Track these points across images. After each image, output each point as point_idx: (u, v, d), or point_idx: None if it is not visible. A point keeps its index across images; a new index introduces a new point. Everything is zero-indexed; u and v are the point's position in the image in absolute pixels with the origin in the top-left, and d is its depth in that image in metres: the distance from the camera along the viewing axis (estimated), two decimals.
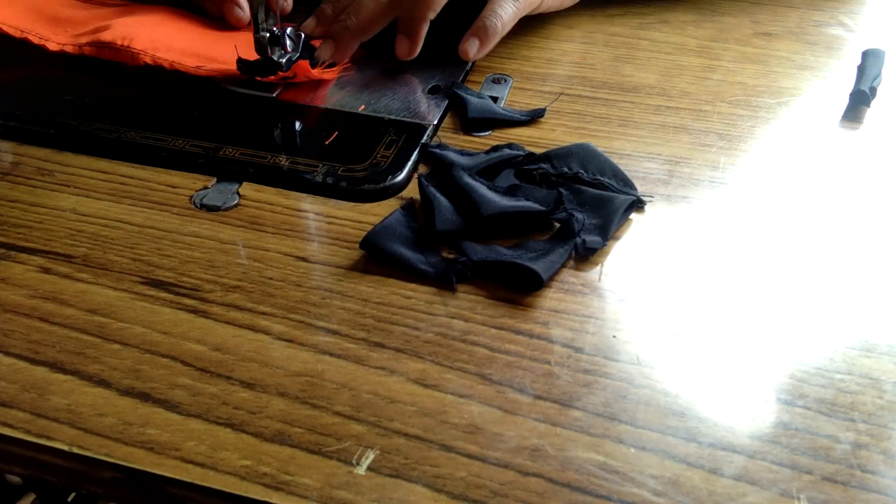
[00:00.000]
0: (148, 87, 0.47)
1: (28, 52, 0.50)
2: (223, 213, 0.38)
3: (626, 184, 0.40)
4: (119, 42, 0.48)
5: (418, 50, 0.49)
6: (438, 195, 0.38)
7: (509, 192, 0.38)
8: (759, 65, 0.53)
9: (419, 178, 0.39)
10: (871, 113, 0.47)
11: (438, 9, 0.48)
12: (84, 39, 0.49)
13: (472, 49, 0.49)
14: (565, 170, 0.40)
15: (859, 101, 0.47)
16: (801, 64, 0.53)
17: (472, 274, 0.34)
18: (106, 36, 0.48)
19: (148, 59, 0.47)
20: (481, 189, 0.38)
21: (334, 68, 0.49)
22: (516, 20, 0.51)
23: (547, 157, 0.41)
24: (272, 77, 0.46)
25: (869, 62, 0.51)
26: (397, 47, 0.49)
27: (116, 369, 0.30)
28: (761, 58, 0.54)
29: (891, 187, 0.41)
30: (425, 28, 0.48)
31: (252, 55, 0.46)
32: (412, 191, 0.40)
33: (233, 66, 0.47)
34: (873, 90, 0.48)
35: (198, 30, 0.51)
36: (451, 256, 0.35)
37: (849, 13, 0.61)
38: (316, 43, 0.50)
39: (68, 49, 0.49)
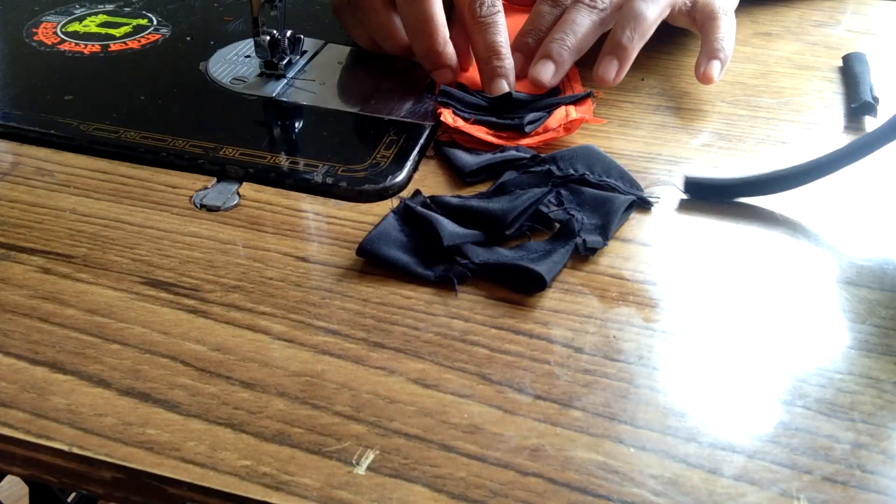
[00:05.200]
0: (148, 88, 0.47)
1: (28, 50, 0.50)
2: (223, 213, 0.38)
3: (633, 185, 0.40)
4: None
5: (622, 77, 0.46)
6: (432, 214, 0.36)
7: (497, 191, 0.38)
8: (759, 65, 0.53)
9: (405, 203, 0.37)
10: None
11: (648, 37, 0.46)
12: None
13: (611, 72, 0.45)
14: (571, 171, 0.40)
15: (865, 112, 0.47)
16: (800, 64, 0.53)
17: (474, 276, 0.34)
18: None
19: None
20: (441, 220, 0.36)
21: (585, 102, 0.45)
22: (656, 25, 0.47)
23: (553, 158, 0.40)
24: (529, 140, 0.43)
25: (860, 69, 0.50)
26: (604, 69, 0.45)
27: (116, 369, 0.30)
28: (761, 57, 0.54)
29: (891, 188, 0.41)
30: (634, 56, 0.46)
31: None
32: (409, 192, 0.40)
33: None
34: (877, 100, 0.47)
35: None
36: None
37: (848, 13, 0.61)
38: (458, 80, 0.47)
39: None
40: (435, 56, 0.46)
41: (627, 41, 0.45)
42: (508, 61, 0.45)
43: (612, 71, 0.45)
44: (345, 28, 0.51)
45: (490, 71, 0.45)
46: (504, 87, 0.45)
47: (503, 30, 0.46)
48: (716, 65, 0.47)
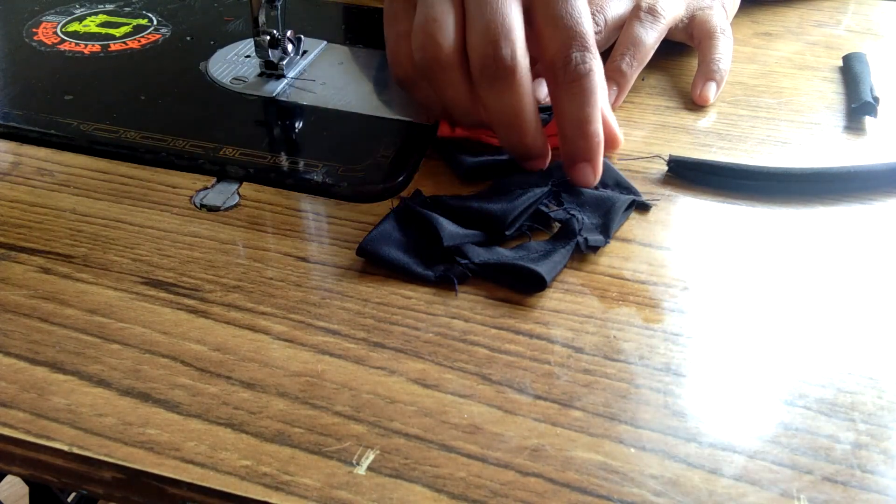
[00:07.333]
0: (148, 88, 0.47)
1: (28, 50, 0.50)
2: (223, 213, 0.38)
3: (630, 191, 0.39)
4: None
5: (621, 102, 0.47)
6: (432, 213, 0.36)
7: (497, 191, 0.38)
8: (759, 65, 0.53)
9: (405, 203, 0.37)
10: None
11: (647, 61, 0.47)
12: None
13: (610, 97, 0.46)
14: None
15: (865, 113, 0.47)
16: (800, 64, 0.53)
17: (474, 276, 0.34)
18: None
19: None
20: (441, 220, 0.36)
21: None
22: (655, 48, 0.48)
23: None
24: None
25: (860, 69, 0.50)
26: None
27: (116, 369, 0.30)
28: (761, 57, 0.54)
29: (892, 188, 0.41)
30: (633, 81, 0.47)
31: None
32: (409, 192, 0.40)
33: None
34: (877, 100, 0.47)
35: None
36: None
37: (849, 13, 0.61)
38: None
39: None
40: (525, 149, 0.40)
41: (627, 67, 0.47)
42: (597, 139, 0.38)
43: (611, 97, 0.46)
44: (413, 97, 0.43)
45: (572, 153, 0.38)
46: (589, 176, 0.38)
47: (594, 96, 0.37)
48: (712, 86, 0.48)
